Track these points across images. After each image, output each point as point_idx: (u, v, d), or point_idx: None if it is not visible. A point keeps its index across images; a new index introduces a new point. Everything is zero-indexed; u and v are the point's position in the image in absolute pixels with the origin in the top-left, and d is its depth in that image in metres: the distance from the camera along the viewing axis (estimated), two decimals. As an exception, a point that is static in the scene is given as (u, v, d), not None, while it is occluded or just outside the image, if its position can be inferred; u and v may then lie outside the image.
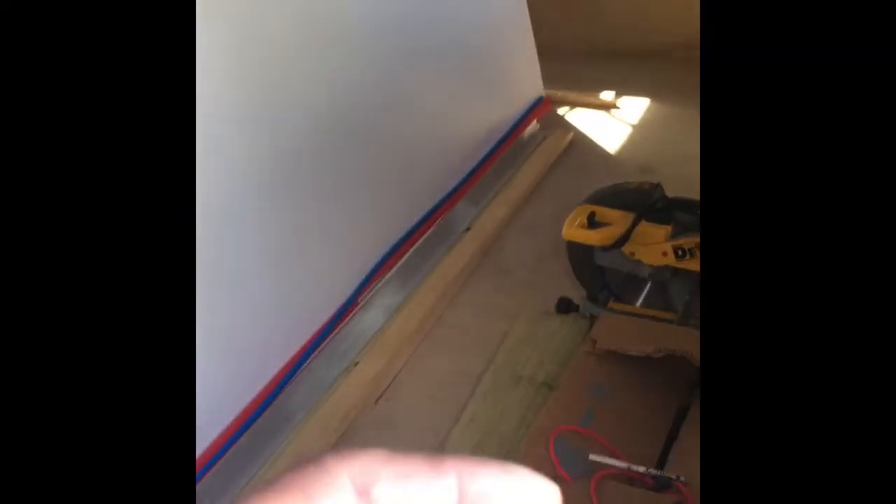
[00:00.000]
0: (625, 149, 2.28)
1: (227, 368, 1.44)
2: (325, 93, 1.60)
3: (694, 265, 1.49)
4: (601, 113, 2.50)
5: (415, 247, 1.90)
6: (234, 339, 1.45)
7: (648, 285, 1.64)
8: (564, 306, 1.70)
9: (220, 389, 1.43)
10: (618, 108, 2.50)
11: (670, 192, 1.59)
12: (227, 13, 1.35)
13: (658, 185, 1.58)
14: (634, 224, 1.54)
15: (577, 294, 1.72)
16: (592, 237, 1.55)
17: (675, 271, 1.53)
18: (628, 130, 2.37)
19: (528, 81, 2.37)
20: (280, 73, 1.49)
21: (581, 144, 2.34)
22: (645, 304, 1.65)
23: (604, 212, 1.58)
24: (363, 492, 0.20)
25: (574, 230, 1.57)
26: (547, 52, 2.41)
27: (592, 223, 1.58)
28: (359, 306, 1.74)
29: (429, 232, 1.94)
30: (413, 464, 0.21)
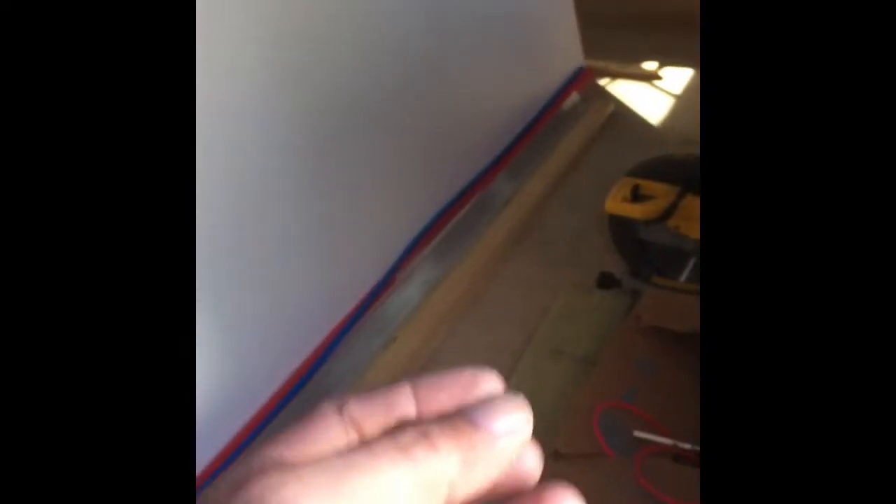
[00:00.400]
0: (668, 120, 2.23)
1: (265, 345, 1.43)
2: (362, 65, 1.58)
3: (741, 239, 1.45)
4: (643, 84, 2.44)
5: (454, 221, 1.88)
6: (272, 316, 1.45)
7: (692, 260, 1.60)
8: (606, 281, 1.67)
9: (258, 365, 1.42)
10: (660, 78, 2.44)
11: (716, 164, 1.54)
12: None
13: (704, 157, 1.54)
14: (679, 197, 1.50)
15: (618, 269, 1.69)
16: (636, 211, 1.51)
17: (722, 245, 1.49)
18: (671, 101, 2.32)
19: (568, 51, 2.32)
20: (316, 46, 1.47)
21: (623, 116, 2.30)
22: (689, 279, 1.61)
23: (648, 185, 1.54)
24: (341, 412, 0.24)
25: (617, 203, 1.53)
26: (587, 19, 2.36)
27: (636, 196, 1.54)
28: (397, 282, 1.73)
29: (468, 206, 1.92)
30: (377, 390, 0.25)
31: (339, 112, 1.54)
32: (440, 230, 1.84)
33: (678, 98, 2.33)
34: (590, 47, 2.39)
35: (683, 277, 1.62)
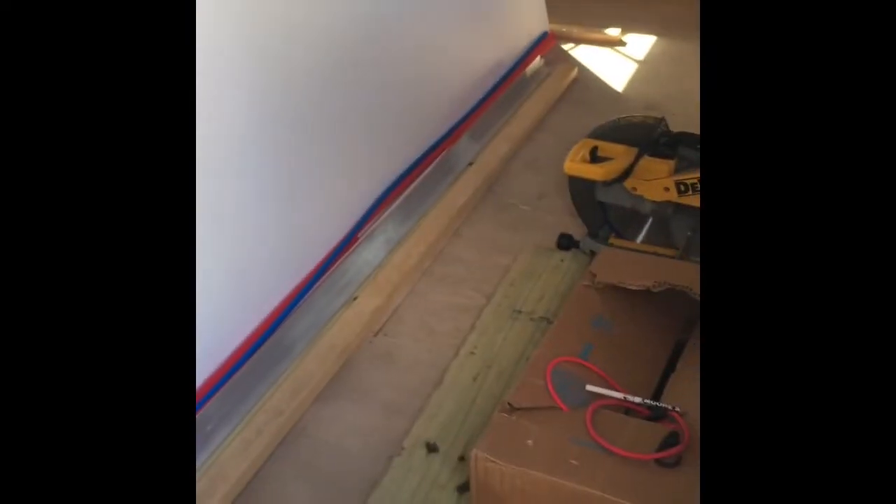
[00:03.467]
0: (630, 85, 2.25)
1: (229, 299, 1.44)
2: (329, 25, 1.58)
3: (696, 201, 1.48)
4: (607, 49, 2.46)
5: (417, 181, 1.89)
6: (236, 271, 1.45)
7: (650, 221, 1.63)
8: (565, 242, 1.70)
9: (222, 320, 1.43)
10: (624, 44, 2.46)
11: (675, 129, 1.57)
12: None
13: (662, 120, 1.57)
14: (637, 159, 1.52)
15: (578, 230, 1.71)
16: (594, 171, 1.54)
17: (677, 207, 1.52)
18: (634, 67, 2.34)
19: (533, 16, 2.33)
20: (285, 6, 1.46)
21: (586, 81, 2.31)
22: (646, 240, 1.64)
23: (606, 146, 1.57)
24: None
25: (576, 164, 1.56)
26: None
27: (595, 158, 1.56)
28: (360, 240, 1.74)
29: (431, 167, 1.93)
30: None
31: (304, 73, 1.53)
32: (403, 191, 1.85)
33: (641, 63, 2.35)
34: (555, 12, 2.40)
35: (640, 239, 1.65)
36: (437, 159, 1.95)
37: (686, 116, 1.98)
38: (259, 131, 1.45)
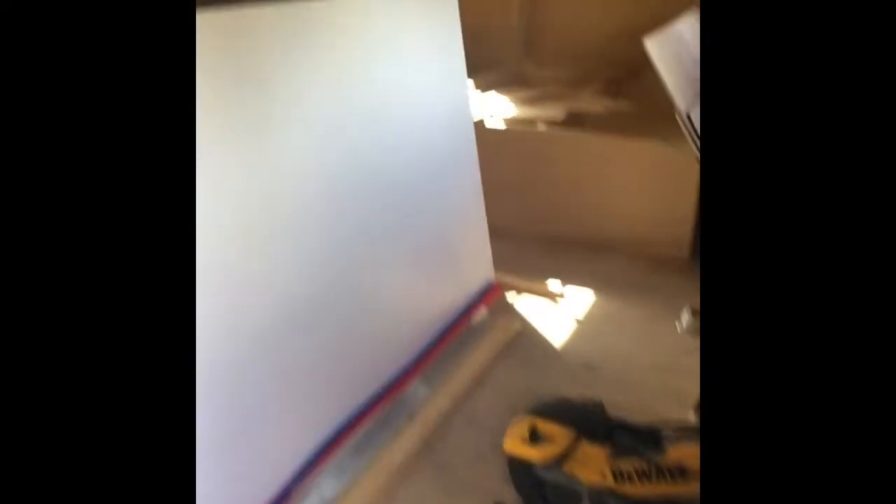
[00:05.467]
0: (569, 343, 2.33)
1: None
2: (279, 279, 1.62)
3: (632, 489, 1.50)
4: (548, 302, 2.56)
5: (355, 435, 1.88)
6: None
7: (585, 502, 1.64)
8: (501, 515, 1.69)
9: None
10: (563, 297, 2.57)
11: (611, 393, 1.62)
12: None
13: (600, 404, 1.62)
14: (575, 442, 1.56)
15: (514, 499, 1.71)
16: (532, 454, 1.56)
17: (615, 494, 1.54)
18: (573, 323, 2.43)
19: (480, 267, 2.44)
20: (239, 254, 1.51)
21: (528, 335, 2.39)
22: (582, 518, 1.64)
23: (545, 426, 1.60)
24: None
25: (516, 444, 1.58)
26: (499, 235, 2.50)
27: (534, 437, 1.59)
28: (294, 500, 1.70)
29: (370, 420, 1.93)
30: None
31: (247, 324, 1.55)
32: (340, 445, 1.83)
33: (579, 321, 2.44)
34: (500, 260, 2.52)
35: (577, 517, 1.65)
36: (377, 412, 1.95)
37: (621, 381, 2.06)
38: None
